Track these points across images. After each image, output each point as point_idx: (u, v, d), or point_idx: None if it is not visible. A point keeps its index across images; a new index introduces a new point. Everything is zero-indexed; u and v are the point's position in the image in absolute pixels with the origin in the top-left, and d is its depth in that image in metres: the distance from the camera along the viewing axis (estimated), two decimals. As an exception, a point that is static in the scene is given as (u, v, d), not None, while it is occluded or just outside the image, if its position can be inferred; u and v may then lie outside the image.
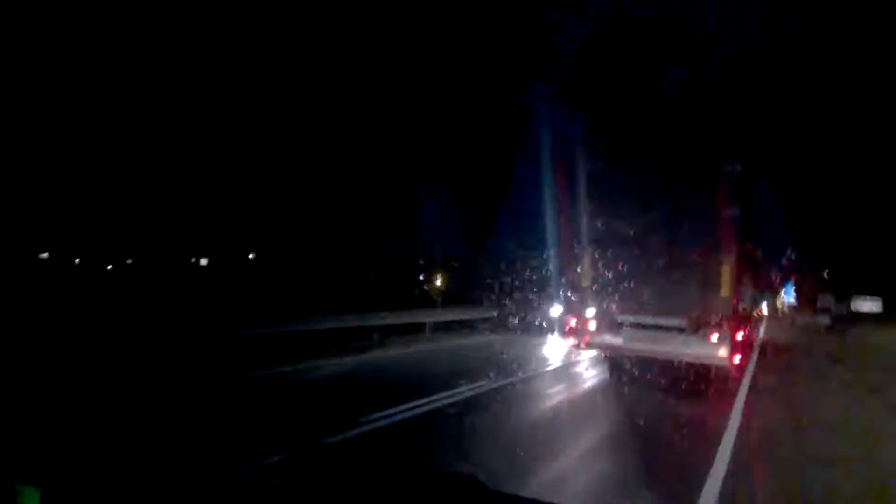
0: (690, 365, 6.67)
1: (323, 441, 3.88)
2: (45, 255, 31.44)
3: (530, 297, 13.32)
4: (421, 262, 19.92)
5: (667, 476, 3.73)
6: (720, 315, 6.29)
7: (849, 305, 32.20)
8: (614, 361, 7.54)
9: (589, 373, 8.40)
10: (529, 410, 6.13)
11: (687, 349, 6.41)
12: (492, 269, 17.29)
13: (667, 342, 6.46)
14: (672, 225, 6.49)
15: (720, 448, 4.42)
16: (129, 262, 37.74)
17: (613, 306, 6.71)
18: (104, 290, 17.58)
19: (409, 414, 5.06)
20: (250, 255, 36.16)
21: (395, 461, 2.46)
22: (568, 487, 3.63)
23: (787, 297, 37.77)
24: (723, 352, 6.22)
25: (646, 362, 7.11)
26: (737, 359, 6.25)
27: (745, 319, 7.05)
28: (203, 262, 38.75)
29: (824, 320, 26.69)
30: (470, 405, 5.69)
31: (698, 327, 6.34)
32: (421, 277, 20.34)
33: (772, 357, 12.34)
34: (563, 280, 7.53)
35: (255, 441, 3.50)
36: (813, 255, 36.41)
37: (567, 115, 7.69)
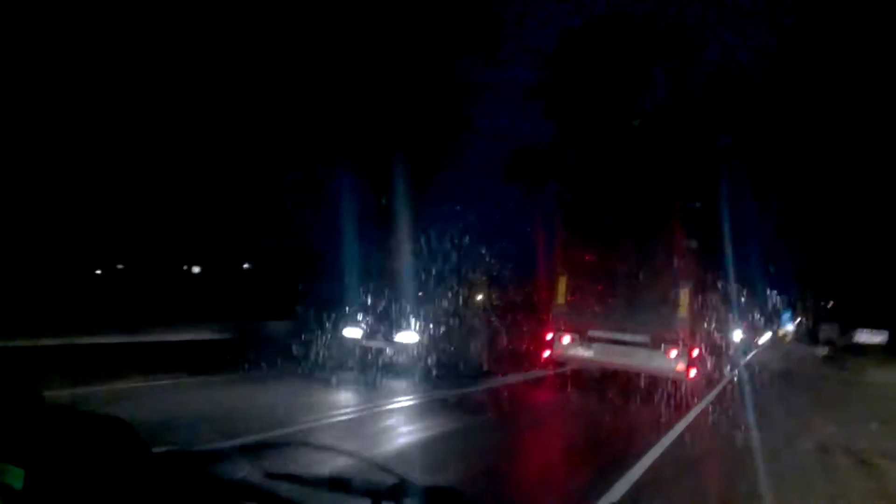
0: (652, 377, 7.69)
1: None
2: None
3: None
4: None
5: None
6: (679, 334, 7.29)
7: (851, 337, 30.28)
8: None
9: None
10: None
11: (650, 363, 7.44)
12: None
13: (632, 356, 7.51)
14: (638, 253, 7.57)
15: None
16: (119, 267, 35.67)
17: (585, 323, 7.78)
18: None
19: None
20: (245, 265, 35.00)
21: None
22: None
23: (786, 325, 37.84)
24: (680, 366, 7.24)
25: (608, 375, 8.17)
26: (692, 373, 7.26)
27: (703, 339, 8.02)
28: (195, 269, 36.73)
29: (822, 351, 26.08)
30: None
31: (660, 343, 7.36)
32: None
33: (744, 389, 10.47)
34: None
35: None
36: (817, 285, 36.09)
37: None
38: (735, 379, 11.59)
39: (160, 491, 1.20)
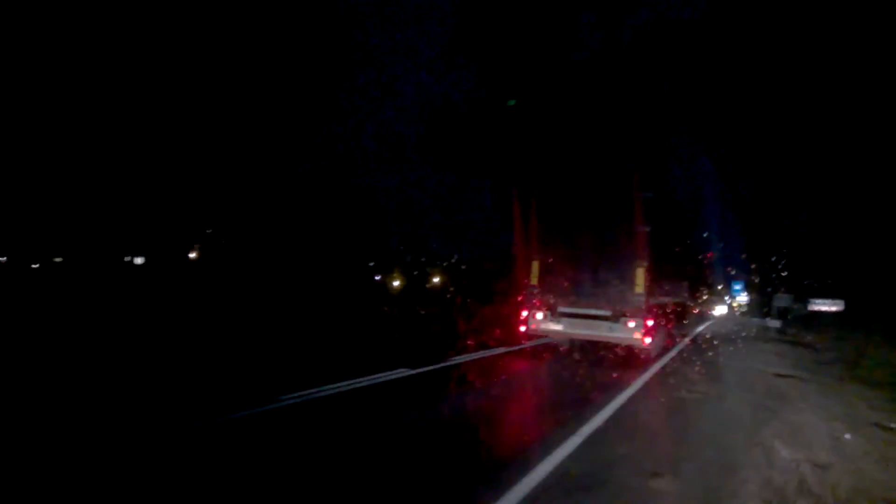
0: (615, 345, 8.98)
1: None
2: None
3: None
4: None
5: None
6: (636, 307, 8.57)
7: (806, 307, 28.34)
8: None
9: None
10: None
11: (612, 333, 8.73)
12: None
13: (596, 328, 8.80)
14: (599, 238, 8.79)
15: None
16: (57, 260, 34.91)
17: (555, 301, 8.99)
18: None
19: None
20: (191, 254, 33.43)
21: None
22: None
23: (738, 295, 37.64)
24: (637, 335, 8.54)
25: (579, 343, 9.48)
26: (647, 340, 8.56)
27: (657, 311, 9.31)
28: (138, 260, 36.49)
29: (774, 323, 24.43)
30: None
31: (620, 316, 8.64)
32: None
33: (693, 351, 12.28)
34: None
35: None
36: (771, 257, 35.33)
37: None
38: (686, 344, 14.06)
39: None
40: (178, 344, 8.96)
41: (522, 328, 9.55)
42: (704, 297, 26.92)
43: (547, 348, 10.74)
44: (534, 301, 9.44)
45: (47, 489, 3.51)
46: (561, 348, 10.47)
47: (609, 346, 10.02)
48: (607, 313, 8.94)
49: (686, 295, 15.26)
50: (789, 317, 26.46)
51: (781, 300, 30.15)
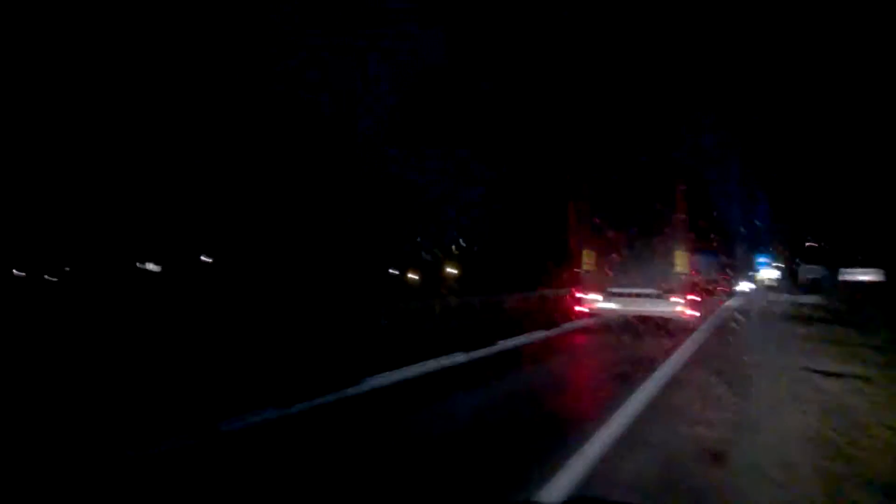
0: (661, 318, 10.57)
1: None
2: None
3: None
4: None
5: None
6: (678, 284, 10.11)
7: (837, 278, 26.50)
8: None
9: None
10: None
11: (658, 308, 10.29)
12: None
13: (645, 304, 10.33)
14: (646, 226, 10.37)
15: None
16: (66, 269, 33.75)
17: (607, 283, 10.61)
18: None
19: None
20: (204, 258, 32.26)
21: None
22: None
23: (763, 268, 34.30)
24: (679, 308, 10.07)
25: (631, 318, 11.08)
26: (688, 312, 10.07)
27: (698, 286, 10.83)
28: (151, 266, 34.25)
29: (808, 298, 21.15)
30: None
31: (664, 293, 10.19)
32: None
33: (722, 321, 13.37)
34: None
35: None
36: (800, 227, 32.39)
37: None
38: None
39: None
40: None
41: (579, 308, 11.15)
42: (731, 274, 26.56)
43: (584, 330, 12.08)
44: (588, 284, 11.05)
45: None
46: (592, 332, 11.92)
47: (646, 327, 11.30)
48: (652, 291, 10.50)
49: (716, 273, 16.63)
50: (822, 291, 24.47)
51: (811, 271, 28.76)
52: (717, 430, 4.76)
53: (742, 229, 31.04)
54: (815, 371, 7.41)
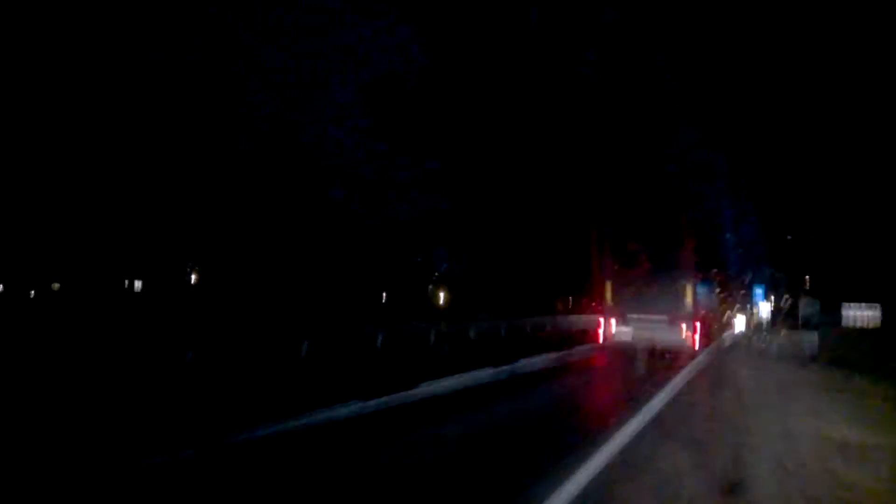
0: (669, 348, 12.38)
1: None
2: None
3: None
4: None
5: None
6: (686, 315, 11.97)
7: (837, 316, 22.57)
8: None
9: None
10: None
11: (667, 336, 12.10)
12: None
13: (656, 331, 12.16)
14: (660, 266, 12.30)
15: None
16: (55, 287, 34.37)
17: (626, 313, 12.49)
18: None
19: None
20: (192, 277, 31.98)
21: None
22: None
23: (757, 306, 32.48)
24: (687, 337, 11.89)
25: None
26: (696, 340, 11.88)
27: (704, 318, 12.68)
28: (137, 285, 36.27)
29: (808, 341, 15.16)
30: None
31: (673, 322, 12.02)
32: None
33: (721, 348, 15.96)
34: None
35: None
36: (790, 259, 31.64)
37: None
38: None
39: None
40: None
41: (601, 333, 12.99)
42: (730, 309, 27.62)
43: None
44: (609, 314, 12.90)
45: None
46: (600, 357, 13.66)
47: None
48: (665, 320, 12.33)
49: (717, 307, 18.51)
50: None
51: (805, 308, 28.77)
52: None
53: (746, 273, 31.25)
54: (828, 439, 5.78)
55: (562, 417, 7.17)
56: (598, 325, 13.00)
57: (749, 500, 4.16)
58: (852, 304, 22.93)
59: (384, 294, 30.93)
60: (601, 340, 13.19)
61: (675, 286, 12.24)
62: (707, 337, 15.17)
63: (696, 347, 12.58)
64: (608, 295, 12.91)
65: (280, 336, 10.49)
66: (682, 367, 10.98)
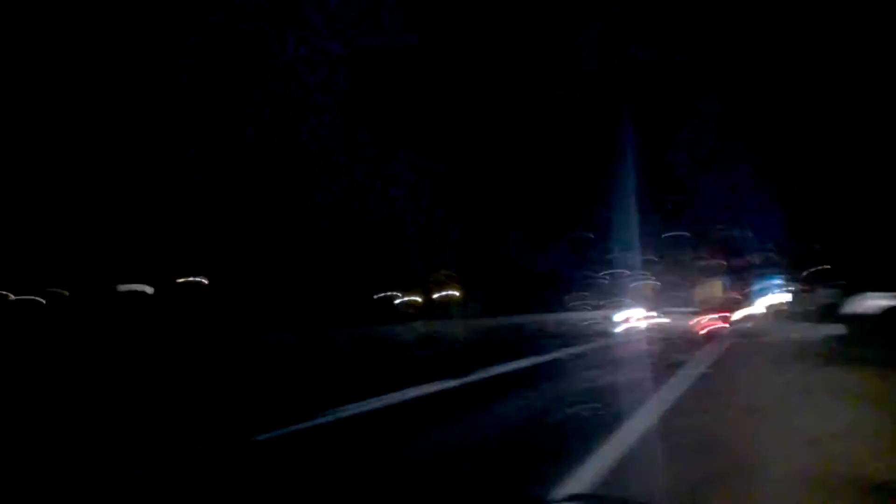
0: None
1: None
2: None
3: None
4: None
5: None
6: (716, 305, 13.93)
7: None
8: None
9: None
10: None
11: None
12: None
13: (689, 320, 14.10)
14: (692, 264, 14.29)
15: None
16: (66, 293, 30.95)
17: (663, 304, 14.48)
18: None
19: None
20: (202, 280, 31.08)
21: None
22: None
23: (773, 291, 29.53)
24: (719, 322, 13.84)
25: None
26: (726, 325, 13.84)
27: (731, 308, 14.62)
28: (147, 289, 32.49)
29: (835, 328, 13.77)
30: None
31: (706, 311, 13.96)
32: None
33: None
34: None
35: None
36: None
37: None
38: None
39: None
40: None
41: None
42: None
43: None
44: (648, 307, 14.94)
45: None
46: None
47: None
48: (698, 310, 14.32)
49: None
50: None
51: (825, 295, 28.02)
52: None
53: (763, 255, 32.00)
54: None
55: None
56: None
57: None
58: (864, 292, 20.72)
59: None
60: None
61: (710, 282, 14.29)
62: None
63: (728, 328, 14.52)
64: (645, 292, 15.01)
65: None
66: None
